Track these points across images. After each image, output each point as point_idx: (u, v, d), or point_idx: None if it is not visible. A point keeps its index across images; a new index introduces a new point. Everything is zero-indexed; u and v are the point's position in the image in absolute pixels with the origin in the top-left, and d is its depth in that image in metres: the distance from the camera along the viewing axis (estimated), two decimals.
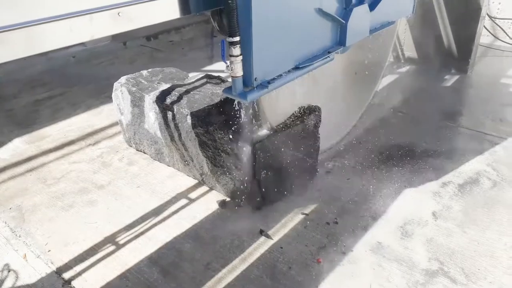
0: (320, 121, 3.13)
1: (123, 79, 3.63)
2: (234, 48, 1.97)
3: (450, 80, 5.13)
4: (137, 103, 3.44)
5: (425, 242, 2.71)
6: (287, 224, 2.90)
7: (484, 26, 5.48)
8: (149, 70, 3.83)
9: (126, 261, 2.65)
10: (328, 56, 2.52)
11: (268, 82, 2.17)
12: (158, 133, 3.35)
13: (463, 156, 3.58)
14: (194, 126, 2.96)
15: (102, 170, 3.61)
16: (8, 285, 2.52)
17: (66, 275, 2.57)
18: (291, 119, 3.01)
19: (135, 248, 2.76)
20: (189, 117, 2.98)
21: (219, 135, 2.81)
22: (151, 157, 3.68)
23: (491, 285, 2.40)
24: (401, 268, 2.52)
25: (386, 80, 5.07)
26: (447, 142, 3.81)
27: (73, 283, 2.52)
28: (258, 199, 2.98)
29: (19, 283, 2.53)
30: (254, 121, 2.76)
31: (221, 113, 2.94)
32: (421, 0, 4.96)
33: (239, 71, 2.03)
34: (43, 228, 2.97)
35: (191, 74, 3.81)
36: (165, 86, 3.43)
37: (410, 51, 5.53)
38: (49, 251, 2.76)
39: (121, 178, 3.48)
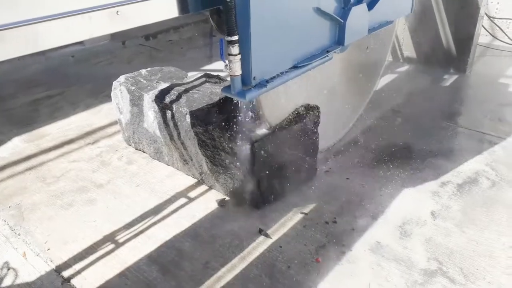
0: (319, 120, 3.13)
1: (122, 78, 3.63)
2: (233, 47, 1.96)
3: (449, 79, 5.13)
4: (136, 102, 3.44)
5: (424, 241, 2.72)
6: (286, 223, 2.91)
7: (483, 26, 5.49)
8: (148, 69, 3.83)
9: (125, 260, 2.65)
10: (327, 55, 2.52)
11: (267, 81, 2.17)
12: (157, 132, 3.36)
13: (462, 156, 3.59)
14: (193, 125, 2.96)
15: (101, 169, 3.61)
16: (7, 283, 2.52)
17: (66, 273, 2.57)
18: (290, 118, 3.01)
19: (134, 246, 2.76)
20: (188, 116, 2.98)
21: (218, 134, 2.81)
22: (150, 156, 3.69)
23: (489, 285, 2.40)
24: (400, 268, 2.53)
25: (385, 80, 5.08)
26: (446, 142, 3.82)
27: (72, 281, 2.52)
28: (257, 198, 2.99)
29: (18, 281, 2.53)
30: (253, 120, 2.76)
31: (220, 112, 2.94)
32: (420, 0, 4.98)
33: (237, 70, 2.03)
34: (42, 226, 2.97)
35: (190, 73, 3.82)
36: (164, 85, 3.44)
37: (409, 50, 5.53)
38: (49, 249, 2.76)
39: (120, 177, 3.49)
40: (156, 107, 3.22)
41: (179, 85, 3.41)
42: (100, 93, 4.98)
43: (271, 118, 2.88)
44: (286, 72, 2.30)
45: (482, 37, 5.47)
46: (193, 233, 2.86)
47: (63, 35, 1.58)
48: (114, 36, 6.98)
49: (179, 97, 3.18)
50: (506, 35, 5.92)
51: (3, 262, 2.67)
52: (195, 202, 3.15)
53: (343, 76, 3.57)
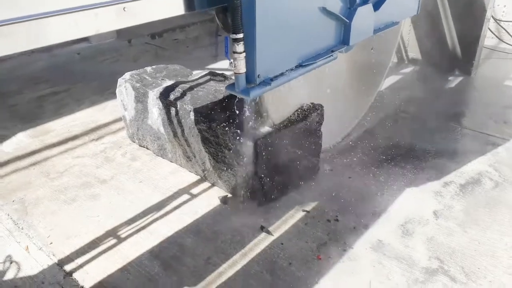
0: (322, 119, 3.14)
1: (127, 75, 3.65)
2: (238, 45, 1.98)
3: (454, 81, 5.12)
4: (140, 99, 3.46)
5: (425, 240, 2.72)
6: (288, 220, 2.92)
7: (489, 28, 5.47)
8: (153, 66, 3.85)
9: (128, 255, 2.67)
10: (332, 55, 2.53)
11: (271, 79, 2.18)
12: (161, 129, 3.37)
13: (465, 157, 3.59)
14: (197, 122, 2.98)
15: (105, 165, 3.63)
16: (10, 276, 2.54)
17: (68, 267, 2.59)
18: (293, 117, 3.03)
19: (137, 242, 2.78)
20: (192, 113, 3.00)
21: (221, 131, 2.82)
22: (154, 153, 3.70)
23: (491, 284, 2.40)
24: (401, 266, 2.53)
25: (389, 81, 5.08)
26: (449, 143, 3.82)
27: (74, 275, 2.54)
28: (260, 195, 3.00)
29: (21, 275, 2.55)
30: (256, 118, 2.77)
31: (224, 110, 2.96)
32: (426, 1, 4.97)
33: (242, 68, 2.04)
34: (45, 221, 2.99)
35: (195, 72, 3.84)
36: (169, 82, 3.46)
37: (414, 52, 5.53)
38: (51, 243, 2.78)
39: (124, 173, 3.51)
40: (161, 104, 3.24)
41: (184, 82, 3.42)
42: (105, 90, 5.00)
43: (274, 116, 2.89)
44: (291, 70, 2.31)
45: (488, 39, 5.46)
46: (195, 229, 2.87)
47: (70, 30, 1.60)
48: (120, 34, 7.02)
49: (183, 94, 3.19)
50: None
51: (6, 255, 2.70)
52: (198, 198, 3.17)
53: (347, 75, 3.57)
